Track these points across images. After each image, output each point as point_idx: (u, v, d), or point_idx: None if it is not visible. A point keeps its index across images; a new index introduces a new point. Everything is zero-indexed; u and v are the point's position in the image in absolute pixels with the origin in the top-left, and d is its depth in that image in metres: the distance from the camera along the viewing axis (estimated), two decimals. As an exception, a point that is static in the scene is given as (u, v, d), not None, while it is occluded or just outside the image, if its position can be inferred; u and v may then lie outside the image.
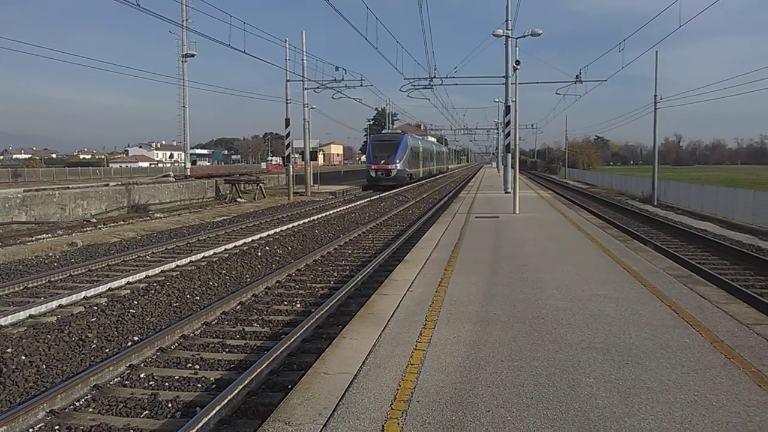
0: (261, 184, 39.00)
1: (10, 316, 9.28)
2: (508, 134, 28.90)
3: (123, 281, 11.91)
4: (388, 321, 7.15)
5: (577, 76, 35.90)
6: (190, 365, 7.57)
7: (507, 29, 26.95)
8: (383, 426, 4.37)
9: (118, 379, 7.06)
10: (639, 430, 4.21)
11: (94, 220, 24.14)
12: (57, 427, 5.81)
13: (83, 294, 10.80)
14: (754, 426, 4.25)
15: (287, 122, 38.64)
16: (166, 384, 6.94)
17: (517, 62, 22.16)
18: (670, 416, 4.41)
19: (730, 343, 6.04)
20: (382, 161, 47.21)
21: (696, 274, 10.45)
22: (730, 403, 4.62)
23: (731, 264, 15.05)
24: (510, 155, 27.99)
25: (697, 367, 5.39)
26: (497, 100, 49.49)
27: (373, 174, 47.60)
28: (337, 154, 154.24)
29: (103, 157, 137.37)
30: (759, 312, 7.44)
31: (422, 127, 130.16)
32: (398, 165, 47.34)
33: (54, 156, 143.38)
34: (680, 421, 4.33)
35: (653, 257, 11.61)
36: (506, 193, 29.90)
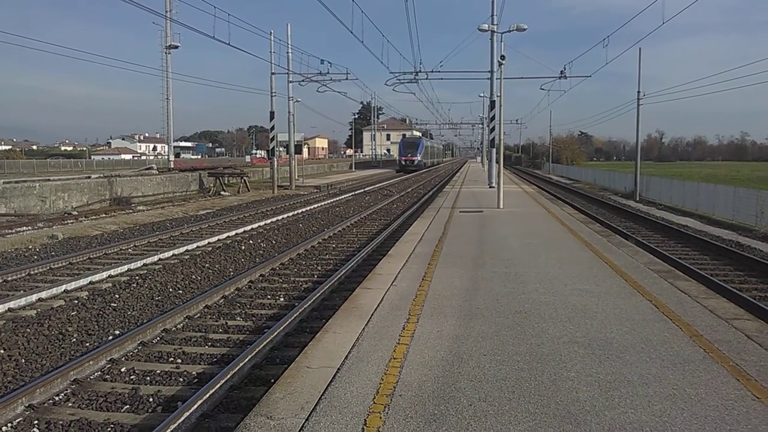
0: (245, 178, 38.78)
1: (-12, 310, 9.16)
2: (493, 129, 28.93)
3: (104, 274, 11.80)
4: (372, 315, 7.15)
5: (561, 71, 36.05)
6: (172, 359, 7.52)
7: (492, 24, 26.98)
8: (366, 420, 4.37)
9: (99, 373, 7.00)
10: (619, 423, 4.25)
11: (76, 213, 23.86)
12: (36, 422, 5.75)
13: (63, 287, 10.68)
14: (732, 419, 4.30)
15: (272, 115, 38.45)
16: (148, 378, 6.90)
17: (502, 57, 22.21)
18: (650, 410, 4.46)
19: (709, 338, 6.11)
20: (408, 154, 73.55)
21: (676, 269, 10.55)
22: (708, 397, 4.68)
23: (711, 259, 15.22)
24: (494, 150, 28.07)
25: (676, 361, 5.45)
26: (482, 94, 49.82)
27: (402, 163, 73.24)
28: (322, 148, 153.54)
29: (84, 149, 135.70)
30: (738, 307, 7.54)
31: (407, 122, 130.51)
32: (419, 157, 73.93)
33: (35, 147, 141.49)
34: (659, 415, 4.37)
35: (635, 252, 11.72)
36: (490, 187, 30.01)
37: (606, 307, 7.36)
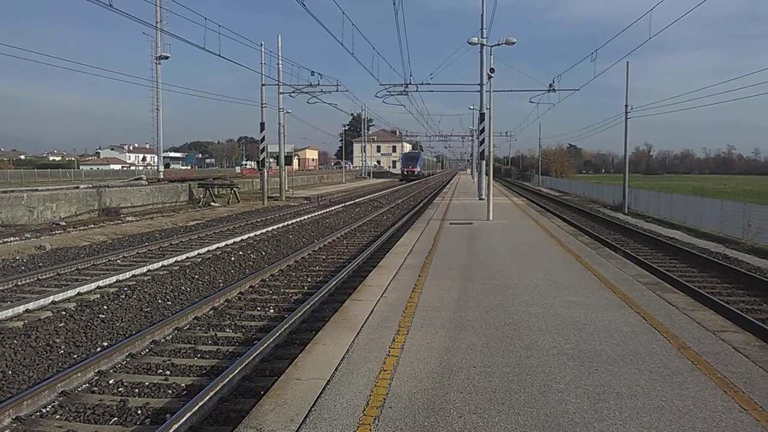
0: (235, 189, 38.71)
1: (-26, 321, 9.07)
2: (483, 141, 29.13)
3: (93, 286, 11.73)
4: (362, 327, 7.15)
5: (550, 84, 36.35)
6: (161, 371, 7.48)
7: (482, 37, 27.22)
8: (355, 432, 4.37)
9: (87, 385, 6.95)
10: (608, 435, 4.27)
11: (64, 224, 23.72)
12: (22, 435, 5.70)
13: (51, 298, 10.60)
14: (719, 431, 4.34)
15: (262, 126, 38.46)
16: (136, 390, 6.86)
17: (492, 70, 22.36)
18: (638, 422, 4.48)
19: (697, 350, 6.16)
20: (410, 166, 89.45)
21: (664, 281, 10.63)
22: (696, 409, 4.71)
23: (699, 272, 15.33)
24: (484, 162, 28.20)
25: (664, 373, 5.49)
26: (472, 107, 50.06)
27: (405, 173, 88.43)
28: (312, 159, 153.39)
29: (73, 159, 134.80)
30: (725, 319, 7.60)
31: (397, 133, 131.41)
32: (418, 168, 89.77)
33: (22, 157, 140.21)
34: (648, 427, 4.40)
35: (623, 264, 11.79)
36: (480, 199, 30.12)
37: (595, 319, 7.40)
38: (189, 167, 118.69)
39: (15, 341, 8.34)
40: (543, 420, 4.52)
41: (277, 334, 8.44)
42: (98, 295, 11.11)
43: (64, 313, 9.91)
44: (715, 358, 5.91)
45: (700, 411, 4.67)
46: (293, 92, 40.60)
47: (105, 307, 10.37)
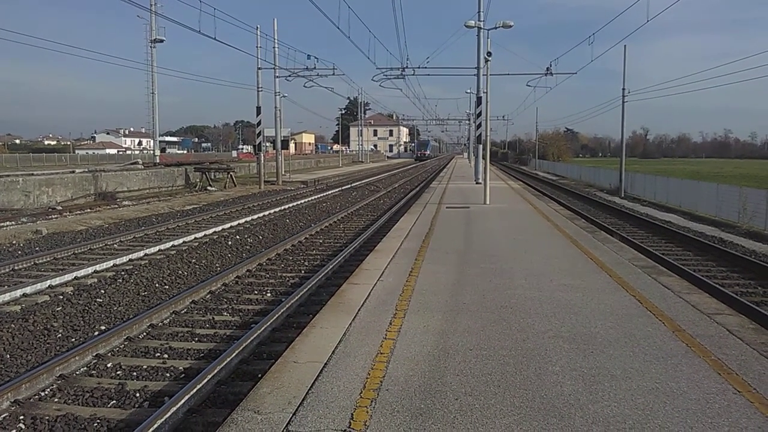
0: (231, 173, 38.63)
1: (-28, 305, 9.07)
2: (479, 125, 29.02)
3: (89, 270, 11.73)
4: (359, 310, 7.18)
5: (547, 68, 36.25)
6: (159, 354, 7.51)
7: (479, 20, 27.02)
8: (352, 414, 4.40)
9: (85, 368, 6.98)
10: (602, 416, 4.31)
11: (60, 208, 23.67)
12: (22, 417, 5.72)
13: (48, 283, 10.61)
14: (713, 412, 4.38)
15: (258, 110, 38.27)
16: (134, 373, 6.89)
17: (489, 54, 22.26)
18: (633, 403, 4.53)
19: (691, 332, 6.20)
20: (422, 150, 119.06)
21: (660, 264, 10.68)
22: (690, 391, 4.75)
23: (694, 255, 15.39)
24: (481, 146, 28.14)
25: (659, 356, 5.53)
26: (469, 91, 49.87)
27: (418, 155, 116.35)
28: (309, 143, 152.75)
29: (68, 143, 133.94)
30: (720, 302, 7.65)
31: (394, 117, 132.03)
32: (428, 152, 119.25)
33: (17, 142, 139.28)
34: (642, 408, 4.44)
35: (619, 248, 11.83)
36: (477, 183, 30.10)
37: (590, 303, 7.44)
38: (185, 151, 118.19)
39: (13, 325, 8.36)
40: (538, 402, 4.56)
41: (275, 318, 8.46)
42: (95, 279, 11.12)
43: (61, 297, 9.93)
44: (710, 340, 5.95)
45: (694, 393, 4.72)
46: (289, 76, 40.35)
47: (102, 291, 10.39)
